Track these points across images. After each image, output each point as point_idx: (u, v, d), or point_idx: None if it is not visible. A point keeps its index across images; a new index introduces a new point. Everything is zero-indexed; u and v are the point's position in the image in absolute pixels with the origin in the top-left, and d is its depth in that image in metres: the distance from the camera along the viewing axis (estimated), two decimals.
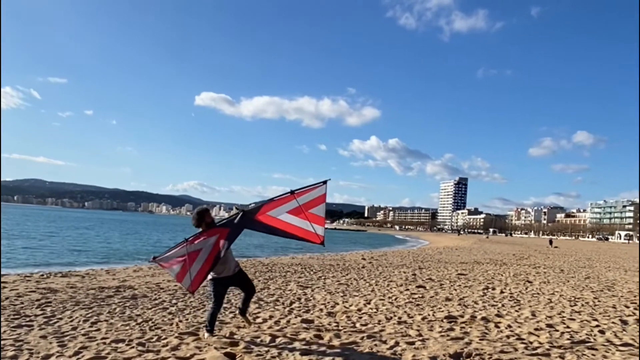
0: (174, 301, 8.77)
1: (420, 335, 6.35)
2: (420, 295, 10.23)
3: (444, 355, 5.35)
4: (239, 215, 5.64)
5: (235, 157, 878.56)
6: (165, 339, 5.86)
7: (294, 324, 6.94)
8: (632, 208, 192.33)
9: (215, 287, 5.79)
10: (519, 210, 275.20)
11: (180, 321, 6.93)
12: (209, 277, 5.73)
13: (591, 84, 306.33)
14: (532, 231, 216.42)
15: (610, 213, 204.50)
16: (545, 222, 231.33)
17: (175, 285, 10.74)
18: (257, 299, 8.99)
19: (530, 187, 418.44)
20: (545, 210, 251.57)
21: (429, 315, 7.89)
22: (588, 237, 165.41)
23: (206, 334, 5.81)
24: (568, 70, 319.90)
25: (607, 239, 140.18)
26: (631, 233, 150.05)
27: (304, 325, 6.84)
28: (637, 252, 49.00)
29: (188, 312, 7.69)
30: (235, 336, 5.98)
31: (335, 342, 5.77)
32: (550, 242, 62.69)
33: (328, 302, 9.05)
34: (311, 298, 9.58)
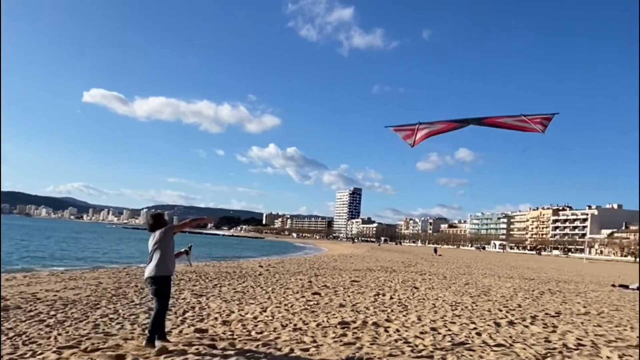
0: (52, 312, 8.08)
1: (314, 341, 6.45)
2: (316, 302, 10.40)
3: None
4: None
5: (126, 159, 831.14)
6: (41, 354, 5.37)
7: (187, 333, 6.72)
8: (505, 220, 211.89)
9: (168, 286, 5.77)
10: (408, 220, 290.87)
11: (60, 334, 6.40)
12: (162, 273, 5.65)
13: (471, 105, 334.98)
14: (420, 240, 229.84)
15: (487, 224, 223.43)
16: (431, 231, 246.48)
17: (55, 295, 9.91)
18: (147, 309, 8.58)
19: (418, 198, 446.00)
20: (431, 220, 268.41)
21: (323, 321, 8.04)
22: (468, 246, 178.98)
23: (157, 343, 5.61)
24: (451, 91, 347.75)
25: (484, 248, 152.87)
26: (504, 243, 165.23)
27: (198, 335, 6.65)
28: (509, 260, 54.04)
29: (69, 325, 7.12)
30: (120, 349, 5.65)
31: (230, 351, 5.67)
32: (435, 250, 66.95)
33: (223, 311, 8.88)
34: (206, 307, 9.34)
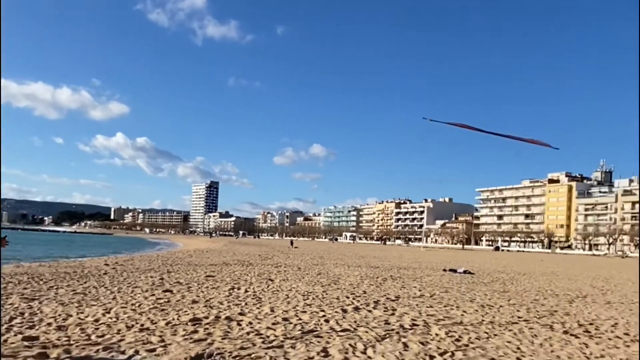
0: None
1: (162, 340, 6.20)
2: (167, 300, 10.00)
3: (185, 358, 5.35)
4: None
5: None
6: None
7: (13, 342, 5.99)
8: (354, 213, 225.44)
9: None
10: (266, 214, 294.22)
11: None
12: None
13: (326, 99, 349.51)
14: (277, 233, 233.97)
15: (339, 217, 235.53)
16: (288, 224, 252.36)
17: None
18: None
19: (275, 192, 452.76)
20: (288, 214, 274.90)
21: (173, 319, 7.77)
22: (323, 238, 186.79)
23: None
24: (304, 86, 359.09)
25: (336, 240, 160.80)
26: (354, 234, 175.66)
27: (26, 343, 5.96)
28: (358, 250, 57.63)
29: None
30: None
31: (65, 359, 5.19)
32: (292, 243, 68.74)
33: (59, 315, 8.07)
34: (38, 311, 8.41)
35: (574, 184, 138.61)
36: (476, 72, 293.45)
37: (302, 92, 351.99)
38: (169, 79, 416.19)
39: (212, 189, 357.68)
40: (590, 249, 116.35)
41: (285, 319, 7.99)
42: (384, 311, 9.40)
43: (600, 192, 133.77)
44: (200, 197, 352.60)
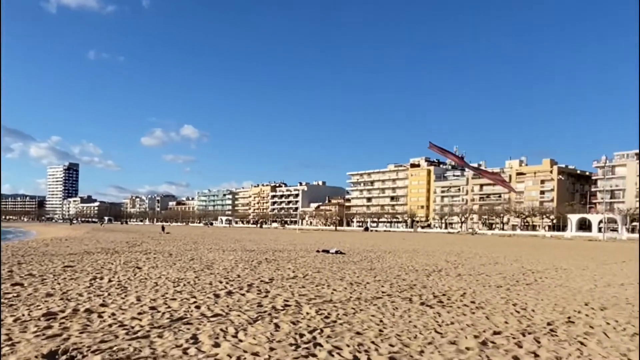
0: None
1: (9, 339, 5.58)
2: (16, 294, 9.01)
3: (36, 356, 4.88)
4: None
5: None
6: None
7: None
8: (230, 196, 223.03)
9: None
10: (134, 198, 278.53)
11: None
12: None
13: (192, 81, 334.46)
14: (147, 218, 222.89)
15: (214, 201, 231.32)
16: (159, 209, 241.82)
17: None
18: None
19: (145, 175, 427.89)
20: (159, 198, 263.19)
21: (23, 315, 7.02)
22: (197, 223, 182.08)
23: None
24: (173, 63, 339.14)
25: (212, 224, 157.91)
26: (230, 218, 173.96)
27: None
28: (234, 234, 57.20)
29: None
30: None
31: None
32: (163, 228, 65.99)
33: None
34: None
35: (432, 168, 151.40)
36: (359, 53, 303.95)
37: (170, 69, 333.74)
38: (18, 48, 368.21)
39: (72, 172, 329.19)
40: (446, 227, 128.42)
41: (152, 308, 7.65)
42: (257, 294, 9.46)
43: (454, 175, 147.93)
44: (57, 181, 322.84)
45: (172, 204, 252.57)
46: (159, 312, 7.34)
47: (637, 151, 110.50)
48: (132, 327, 6.24)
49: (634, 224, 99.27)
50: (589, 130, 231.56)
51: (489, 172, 14.40)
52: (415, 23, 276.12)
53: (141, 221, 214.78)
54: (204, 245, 29.30)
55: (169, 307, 7.80)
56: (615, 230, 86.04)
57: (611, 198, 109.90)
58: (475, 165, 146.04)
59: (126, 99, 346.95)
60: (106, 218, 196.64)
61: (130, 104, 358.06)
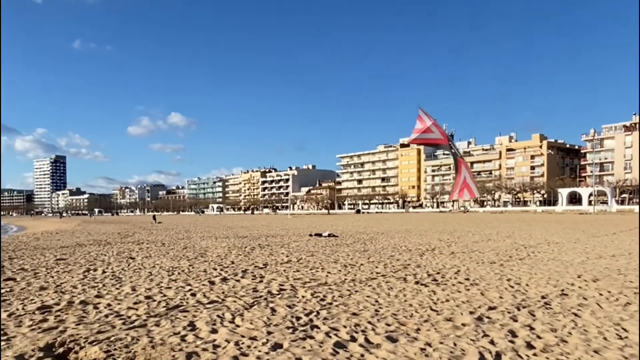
0: None
1: (5, 334, 5.53)
2: (9, 289, 8.93)
3: (32, 350, 4.84)
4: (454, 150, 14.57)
5: None
6: None
7: None
8: (220, 184, 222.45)
9: None
10: (124, 189, 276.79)
11: None
12: None
13: (179, 69, 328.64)
14: (138, 209, 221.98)
15: (204, 189, 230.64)
16: (149, 199, 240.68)
17: None
18: None
19: (134, 165, 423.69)
20: (149, 188, 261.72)
21: (17, 310, 6.97)
22: (188, 211, 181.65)
23: None
24: (160, 52, 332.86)
25: (203, 212, 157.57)
26: (221, 205, 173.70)
27: None
28: (226, 221, 57.15)
29: None
30: None
31: None
32: (154, 218, 65.67)
33: None
34: None
35: (422, 147, 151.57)
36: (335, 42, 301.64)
37: (157, 57, 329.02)
38: (1, 39, 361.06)
39: (59, 164, 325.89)
40: (438, 207, 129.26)
41: (148, 297, 7.63)
42: (252, 279, 9.46)
43: (444, 154, 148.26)
44: (45, 174, 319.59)
45: (162, 193, 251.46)
46: (154, 301, 7.32)
47: (625, 123, 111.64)
48: (129, 317, 6.22)
49: (623, 195, 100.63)
50: (578, 104, 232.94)
51: (463, 165, 14.00)
52: (401, 4, 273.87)
53: (132, 212, 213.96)
54: (197, 234, 29.23)
55: (165, 295, 7.78)
56: (605, 202, 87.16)
57: (601, 171, 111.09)
58: (465, 143, 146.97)
59: (112, 88, 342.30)
60: (96, 210, 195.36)
61: (117, 93, 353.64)
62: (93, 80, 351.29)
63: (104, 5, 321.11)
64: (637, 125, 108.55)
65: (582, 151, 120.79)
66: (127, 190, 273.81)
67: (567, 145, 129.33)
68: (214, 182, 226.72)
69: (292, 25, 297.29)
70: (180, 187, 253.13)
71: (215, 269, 11.04)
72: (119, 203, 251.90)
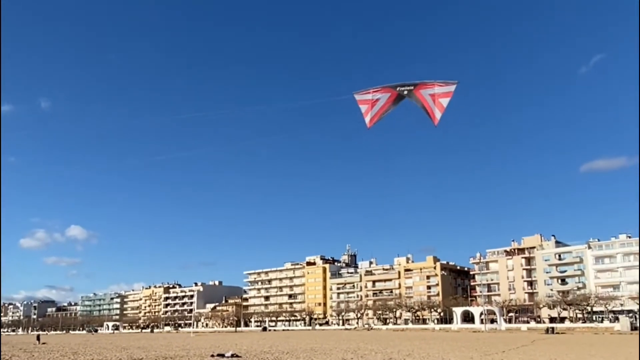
0: None
1: None
2: None
3: None
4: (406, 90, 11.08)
5: None
6: None
7: None
8: (118, 300, 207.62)
9: None
10: (7, 305, 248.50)
11: None
12: None
13: (81, 180, 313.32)
14: (21, 327, 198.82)
15: (100, 305, 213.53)
16: (35, 317, 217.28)
17: None
18: None
19: (21, 280, 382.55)
20: (36, 304, 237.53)
21: None
22: (80, 330, 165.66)
23: None
24: (63, 163, 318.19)
25: (96, 331, 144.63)
26: (117, 323, 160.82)
27: None
28: (120, 341, 53.71)
29: None
30: None
31: None
32: (38, 338, 60.31)
33: None
34: None
35: (327, 265, 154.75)
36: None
37: (60, 169, 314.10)
38: None
39: None
40: (343, 324, 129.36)
41: None
42: None
43: (348, 272, 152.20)
44: None
45: (51, 310, 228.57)
46: None
47: (506, 248, 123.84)
48: None
49: (510, 314, 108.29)
50: (465, 229, 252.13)
51: (425, 86, 11.22)
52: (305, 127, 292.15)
53: (13, 331, 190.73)
54: (85, 356, 28.06)
55: None
56: (495, 321, 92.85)
57: (488, 291, 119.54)
58: (367, 262, 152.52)
59: (7, 199, 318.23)
60: None
61: (12, 204, 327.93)
62: None
63: (13, 117, 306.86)
64: (516, 250, 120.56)
65: (471, 273, 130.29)
66: (11, 307, 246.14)
67: (458, 267, 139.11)
68: (112, 298, 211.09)
69: (199, 134, 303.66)
70: (73, 303, 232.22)
71: None
72: (2, 321, 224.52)
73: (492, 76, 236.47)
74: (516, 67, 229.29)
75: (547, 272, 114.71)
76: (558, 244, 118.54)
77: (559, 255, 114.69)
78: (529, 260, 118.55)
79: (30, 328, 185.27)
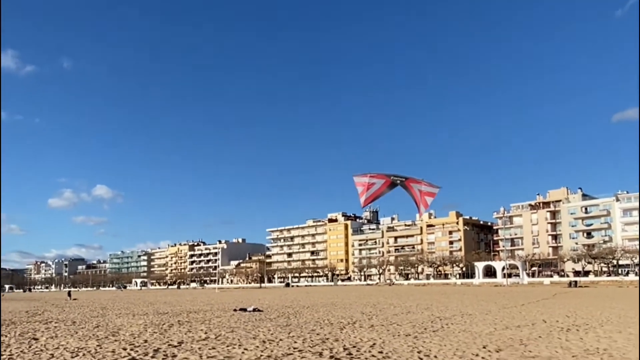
0: None
1: None
2: None
3: None
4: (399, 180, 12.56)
5: None
6: None
7: None
8: (145, 257, 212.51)
9: None
10: (39, 263, 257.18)
11: None
12: None
13: (106, 140, 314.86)
14: (54, 284, 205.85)
15: (127, 263, 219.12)
16: (67, 274, 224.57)
17: None
18: None
19: (52, 239, 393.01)
20: (67, 262, 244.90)
21: None
22: (109, 287, 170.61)
23: None
24: (87, 124, 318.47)
25: (125, 287, 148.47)
26: (145, 280, 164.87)
27: None
28: (148, 297, 54.18)
29: None
30: None
31: None
32: (69, 294, 61.28)
33: None
34: None
35: (349, 222, 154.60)
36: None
37: (86, 129, 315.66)
38: None
39: None
40: (365, 280, 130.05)
41: None
42: (163, 358, 9.16)
43: (370, 229, 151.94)
44: None
45: (81, 267, 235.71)
46: None
47: (531, 202, 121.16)
48: None
49: (533, 268, 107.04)
50: (489, 184, 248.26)
51: (411, 183, 13.39)
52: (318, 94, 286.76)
53: (46, 288, 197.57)
54: (113, 311, 27.59)
55: None
56: (517, 275, 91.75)
57: (512, 246, 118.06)
58: (389, 219, 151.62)
59: (35, 160, 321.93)
60: (7, 286, 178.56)
61: (39, 165, 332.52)
62: (15, 153, 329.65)
63: (33, 79, 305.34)
64: (541, 204, 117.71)
65: (494, 227, 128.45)
66: (43, 265, 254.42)
67: (481, 222, 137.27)
68: (139, 256, 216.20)
69: (220, 97, 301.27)
70: (102, 261, 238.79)
71: (124, 349, 10.53)
72: (33, 279, 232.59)
73: (517, 28, 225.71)
74: (545, 18, 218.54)
75: (572, 226, 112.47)
76: (585, 197, 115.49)
77: (586, 209, 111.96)
78: (554, 214, 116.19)
79: (62, 285, 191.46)
